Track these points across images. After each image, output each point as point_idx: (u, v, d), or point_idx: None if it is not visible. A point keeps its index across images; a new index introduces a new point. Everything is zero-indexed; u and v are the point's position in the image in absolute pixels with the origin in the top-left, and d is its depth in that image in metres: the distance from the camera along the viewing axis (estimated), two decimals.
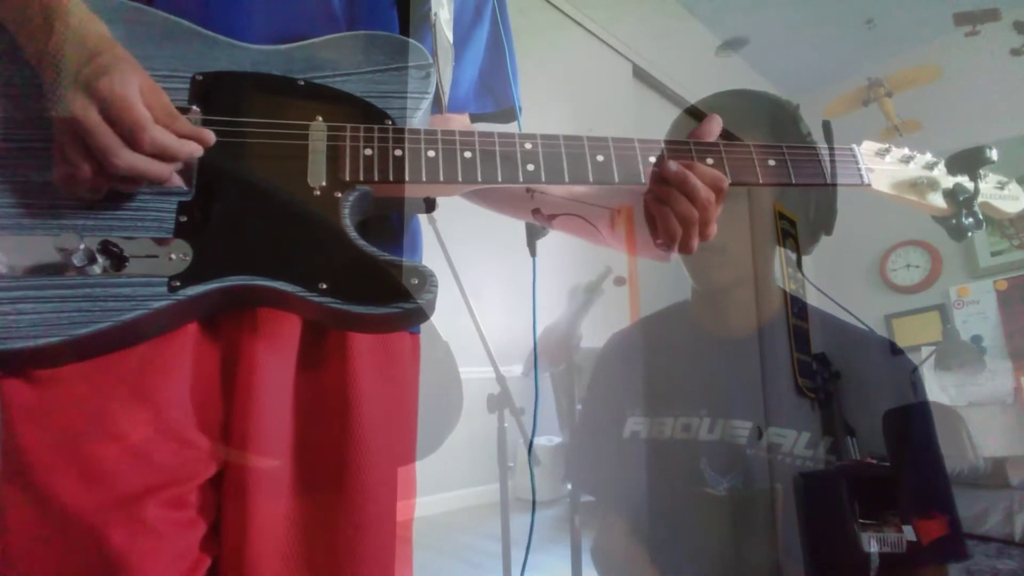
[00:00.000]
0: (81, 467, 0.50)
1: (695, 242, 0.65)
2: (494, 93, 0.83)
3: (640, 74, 3.42)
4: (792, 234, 1.07)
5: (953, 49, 3.27)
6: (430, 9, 0.68)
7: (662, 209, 0.64)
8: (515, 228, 1.27)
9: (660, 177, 0.64)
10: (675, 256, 1.17)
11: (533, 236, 1.18)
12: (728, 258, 1.06)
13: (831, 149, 0.70)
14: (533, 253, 1.17)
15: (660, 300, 1.27)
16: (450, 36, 0.71)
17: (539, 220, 0.78)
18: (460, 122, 0.79)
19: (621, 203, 0.76)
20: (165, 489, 0.53)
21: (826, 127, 0.70)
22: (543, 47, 2.87)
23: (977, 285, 3.38)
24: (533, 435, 1.57)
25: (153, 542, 0.51)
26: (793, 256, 1.06)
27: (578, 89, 2.95)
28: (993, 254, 3.42)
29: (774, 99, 1.12)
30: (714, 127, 0.68)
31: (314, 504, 0.59)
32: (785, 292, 1.05)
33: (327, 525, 0.59)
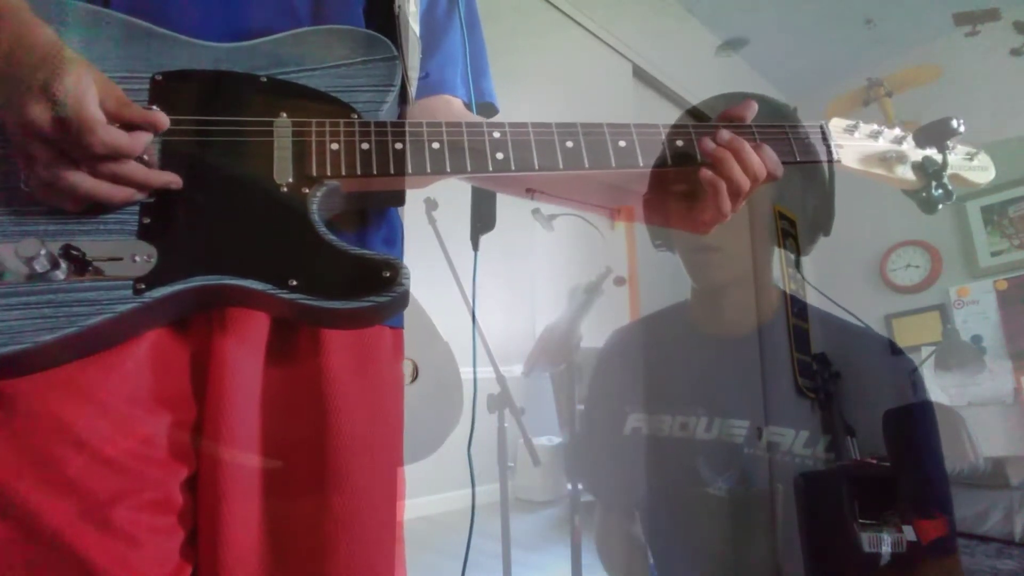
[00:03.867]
0: (49, 477, 0.49)
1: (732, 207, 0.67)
2: (477, 85, 0.82)
3: (640, 74, 3.42)
4: (792, 234, 1.07)
5: (953, 49, 3.26)
6: (396, 2, 0.67)
7: (715, 180, 0.65)
8: (517, 229, 1.27)
9: (716, 143, 0.65)
10: (675, 254, 1.17)
11: (477, 231, 1.17)
12: (727, 257, 1.06)
13: (801, 126, 0.72)
14: (476, 247, 1.15)
15: (660, 300, 1.27)
16: (417, 29, 0.71)
17: (539, 220, 0.78)
18: (457, 106, 0.79)
19: (623, 202, 0.76)
20: (138, 494, 0.52)
21: (788, 127, 0.71)
22: (543, 47, 2.87)
23: (977, 285, 3.38)
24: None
25: (129, 549, 0.50)
26: (793, 256, 1.06)
27: (578, 89, 2.95)
28: (993, 254, 3.42)
29: (771, 102, 1.12)
30: (745, 111, 0.69)
31: (293, 505, 0.58)
32: (785, 292, 1.05)
33: (308, 526, 0.58)
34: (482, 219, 1.19)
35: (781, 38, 3.61)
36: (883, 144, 0.75)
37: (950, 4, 3.10)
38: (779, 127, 0.70)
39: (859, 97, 2.86)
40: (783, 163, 0.69)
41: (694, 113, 1.12)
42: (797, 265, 1.06)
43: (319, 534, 0.58)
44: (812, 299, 1.07)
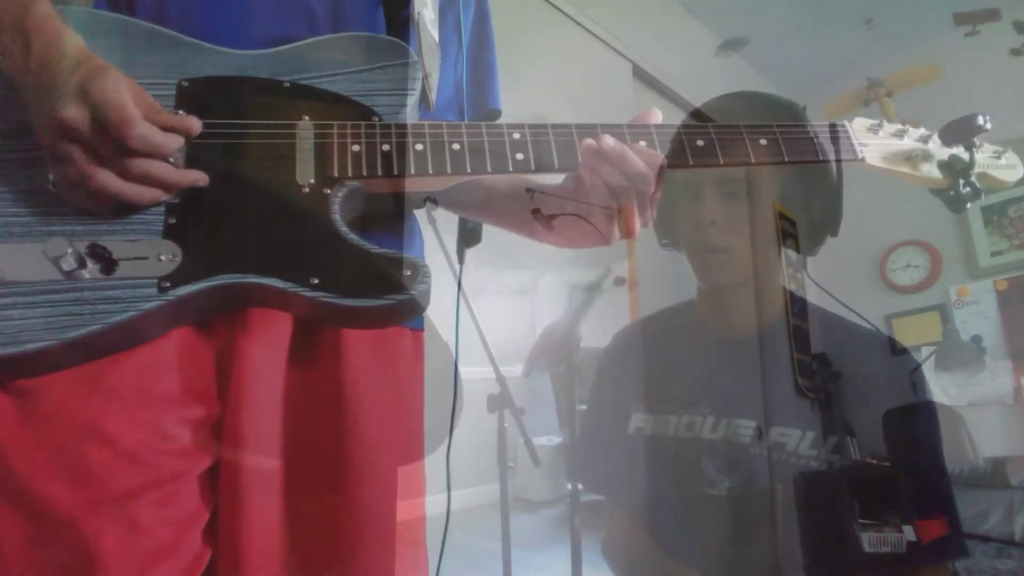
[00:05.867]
0: (69, 469, 0.50)
1: (637, 222, 0.66)
2: (482, 93, 0.83)
3: (640, 74, 3.42)
4: (792, 234, 1.07)
5: (953, 49, 3.26)
6: (414, 9, 0.68)
7: (596, 180, 0.64)
8: (482, 228, 1.26)
9: (597, 154, 0.64)
10: (679, 253, 1.16)
11: (462, 245, 1.17)
12: (733, 258, 1.06)
13: (823, 125, 0.71)
14: (461, 260, 1.16)
15: (660, 300, 1.27)
16: (435, 35, 0.72)
17: (539, 220, 0.78)
18: None
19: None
20: (157, 488, 0.53)
21: (810, 126, 0.70)
22: (543, 47, 2.86)
23: (977, 285, 3.37)
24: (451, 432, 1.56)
25: (145, 541, 0.51)
26: (795, 256, 1.06)
27: (578, 89, 2.95)
28: (993, 254, 3.42)
29: (780, 100, 1.12)
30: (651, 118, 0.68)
31: (313, 504, 0.59)
32: (786, 292, 1.05)
33: (328, 525, 0.59)
34: (467, 232, 1.20)
35: (781, 38, 3.61)
36: (908, 143, 0.74)
37: (950, 4, 3.09)
38: (801, 126, 0.70)
39: (859, 97, 2.86)
40: (807, 162, 0.69)
41: (698, 115, 1.12)
42: (800, 265, 1.06)
43: (342, 533, 0.59)
44: (813, 298, 1.07)
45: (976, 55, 3.14)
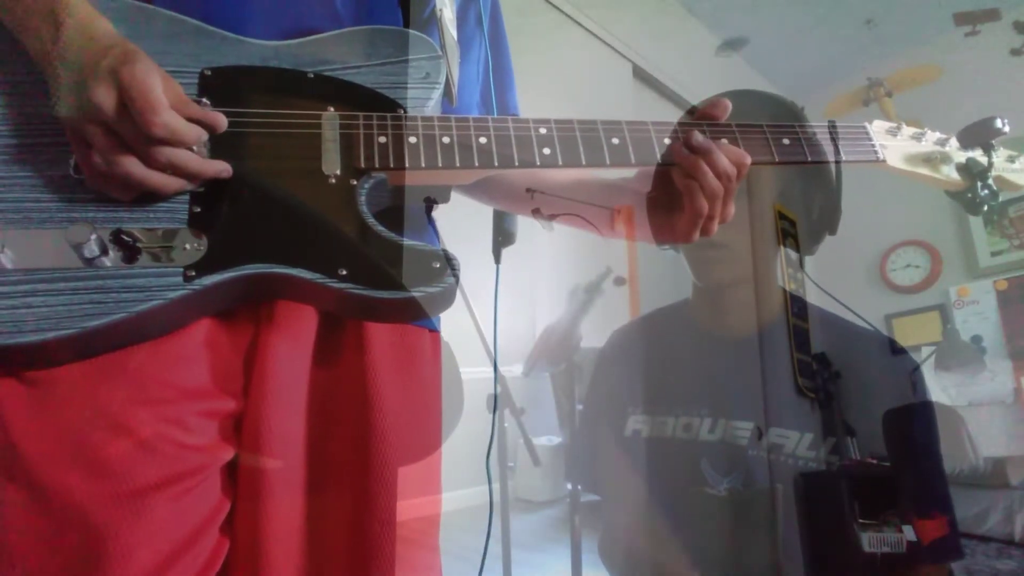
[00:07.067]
0: (85, 462, 0.49)
1: (716, 223, 0.66)
2: (501, 99, 0.84)
3: (640, 74, 3.42)
4: (792, 234, 1.06)
5: (953, 49, 3.26)
6: (434, 7, 0.68)
7: (690, 184, 0.65)
8: (517, 229, 1.27)
9: (688, 148, 0.65)
10: (677, 251, 1.16)
11: (499, 244, 1.18)
12: (731, 255, 1.06)
13: (844, 127, 0.72)
14: (497, 260, 1.17)
15: (660, 300, 1.27)
16: (455, 34, 0.72)
17: (539, 219, 0.78)
18: None
19: (621, 203, 0.76)
20: (176, 482, 0.52)
21: (832, 127, 0.70)
22: (543, 47, 2.86)
23: (977, 285, 3.37)
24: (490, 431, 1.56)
25: (162, 536, 0.51)
26: (794, 256, 1.06)
27: (578, 89, 2.95)
28: (993, 254, 3.42)
29: (779, 100, 1.12)
30: (721, 111, 0.68)
31: (333, 501, 0.59)
32: (785, 292, 1.05)
33: (347, 522, 0.59)
34: (503, 233, 1.21)
35: (781, 38, 3.61)
36: (927, 145, 0.75)
37: (950, 4, 3.09)
38: (822, 127, 0.70)
39: (859, 97, 2.86)
40: (829, 162, 0.70)
41: (695, 113, 1.11)
42: (799, 264, 1.06)
43: (357, 530, 0.58)
44: (814, 298, 1.07)
45: (976, 55, 3.14)
